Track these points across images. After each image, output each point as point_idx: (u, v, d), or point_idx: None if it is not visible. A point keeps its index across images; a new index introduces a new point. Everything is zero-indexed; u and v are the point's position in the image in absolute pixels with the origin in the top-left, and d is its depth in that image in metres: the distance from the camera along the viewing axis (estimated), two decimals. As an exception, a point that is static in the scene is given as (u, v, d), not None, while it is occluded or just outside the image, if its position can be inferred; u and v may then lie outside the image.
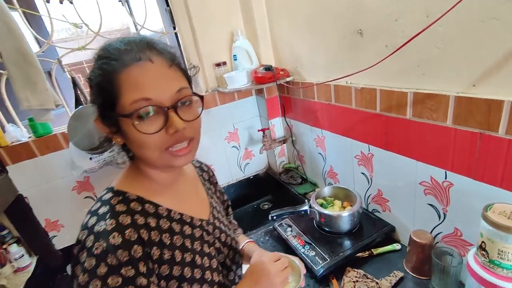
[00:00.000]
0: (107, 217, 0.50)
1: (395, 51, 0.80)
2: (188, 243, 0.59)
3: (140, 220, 0.53)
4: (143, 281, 0.48)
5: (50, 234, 1.38)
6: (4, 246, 1.26)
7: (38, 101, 1.01)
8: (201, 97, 0.57)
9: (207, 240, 0.65)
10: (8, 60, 0.93)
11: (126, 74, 0.49)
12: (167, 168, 0.58)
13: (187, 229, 0.61)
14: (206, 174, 0.81)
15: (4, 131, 1.22)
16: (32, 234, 1.33)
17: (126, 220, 0.51)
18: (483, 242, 0.64)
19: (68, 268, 1.34)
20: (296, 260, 0.76)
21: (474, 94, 0.68)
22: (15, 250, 1.25)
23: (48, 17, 1.19)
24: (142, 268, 0.49)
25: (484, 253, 0.64)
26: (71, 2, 1.22)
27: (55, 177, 1.32)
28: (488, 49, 0.63)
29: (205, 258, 0.62)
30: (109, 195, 0.55)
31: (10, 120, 1.32)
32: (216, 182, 0.85)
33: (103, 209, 0.52)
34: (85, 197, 1.41)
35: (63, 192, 1.35)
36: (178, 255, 0.56)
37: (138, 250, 0.49)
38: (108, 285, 0.45)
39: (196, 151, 0.59)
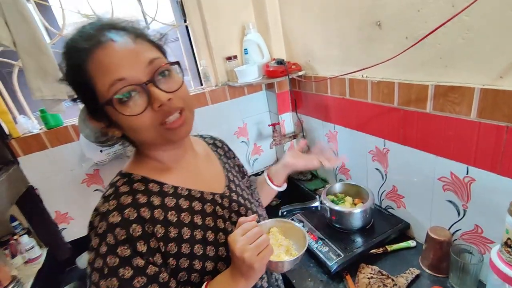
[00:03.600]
0: (111, 198, 0.52)
1: (416, 43, 0.78)
2: (198, 220, 0.58)
3: (142, 199, 0.53)
4: (139, 262, 0.48)
5: (60, 226, 1.38)
6: (15, 237, 1.26)
7: (50, 91, 1.00)
8: (177, 63, 0.54)
9: (221, 214, 0.62)
10: (22, 49, 0.92)
11: (92, 61, 0.47)
12: (169, 144, 0.56)
13: (197, 205, 0.59)
14: (221, 150, 0.80)
15: (16, 123, 1.22)
16: (42, 226, 1.34)
17: (126, 200, 0.52)
18: (508, 238, 0.62)
19: (77, 260, 1.35)
20: (295, 223, 0.64)
21: (501, 86, 0.66)
22: (26, 241, 1.25)
23: (61, 8, 1.18)
24: (141, 247, 0.49)
25: (509, 250, 0.62)
26: (83, -7, 1.21)
27: (65, 169, 1.32)
28: (518, 38, 0.61)
29: (220, 233, 0.60)
30: (117, 178, 0.57)
31: (21, 111, 1.32)
32: (234, 157, 0.83)
33: (110, 191, 0.54)
34: (95, 190, 1.41)
35: (72, 185, 1.35)
36: (186, 233, 0.55)
37: (137, 229, 0.50)
38: (107, 264, 0.47)
39: (193, 120, 0.56)
